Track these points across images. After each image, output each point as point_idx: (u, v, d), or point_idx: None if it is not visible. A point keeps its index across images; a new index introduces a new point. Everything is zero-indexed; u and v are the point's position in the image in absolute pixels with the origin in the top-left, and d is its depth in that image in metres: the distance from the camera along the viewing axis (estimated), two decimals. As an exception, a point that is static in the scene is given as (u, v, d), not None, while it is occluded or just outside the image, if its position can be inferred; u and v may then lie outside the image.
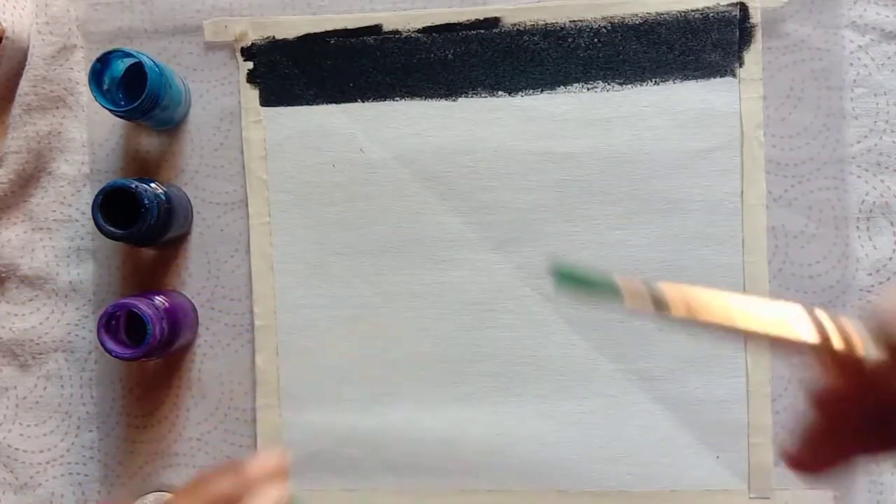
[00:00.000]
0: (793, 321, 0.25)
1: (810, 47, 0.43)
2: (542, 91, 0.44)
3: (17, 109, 0.44)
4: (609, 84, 0.44)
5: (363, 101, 0.44)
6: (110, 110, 0.41)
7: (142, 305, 0.40)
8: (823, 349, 0.24)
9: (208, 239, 0.45)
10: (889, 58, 0.43)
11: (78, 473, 0.46)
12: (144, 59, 0.41)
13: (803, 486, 0.43)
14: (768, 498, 0.43)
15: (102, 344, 0.40)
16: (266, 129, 0.45)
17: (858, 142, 0.43)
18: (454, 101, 0.44)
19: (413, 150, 0.44)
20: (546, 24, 0.44)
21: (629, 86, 0.44)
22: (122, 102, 0.43)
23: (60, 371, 0.46)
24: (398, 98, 0.44)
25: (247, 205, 0.45)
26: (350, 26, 0.44)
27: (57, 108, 0.45)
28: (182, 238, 0.45)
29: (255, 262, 0.45)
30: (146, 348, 0.40)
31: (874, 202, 0.43)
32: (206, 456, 0.45)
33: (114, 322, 0.42)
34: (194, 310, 0.45)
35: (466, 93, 0.44)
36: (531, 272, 0.39)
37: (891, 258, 0.43)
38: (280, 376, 0.45)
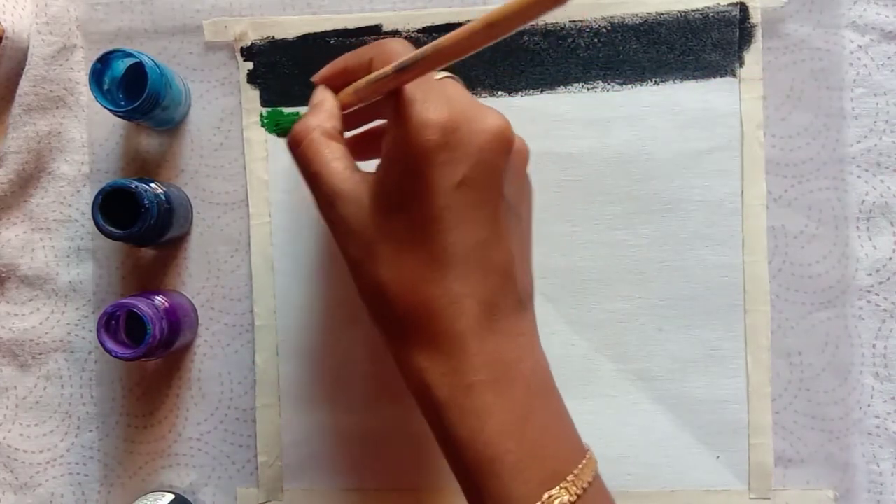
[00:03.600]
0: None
1: (810, 47, 0.43)
2: (542, 91, 0.44)
3: (17, 109, 0.44)
4: (609, 84, 0.44)
5: (363, 101, 0.44)
6: (110, 110, 0.41)
7: (142, 305, 0.40)
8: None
9: (208, 239, 0.45)
10: (889, 58, 0.43)
11: (78, 473, 0.46)
12: (145, 59, 0.41)
13: (803, 486, 0.43)
14: (768, 498, 0.43)
15: (102, 344, 0.40)
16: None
17: (858, 142, 0.43)
18: (454, 101, 0.44)
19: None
20: (546, 24, 0.44)
21: (629, 86, 0.44)
22: (123, 102, 0.43)
23: (60, 371, 0.46)
24: (398, 98, 0.44)
25: (247, 205, 0.45)
26: (350, 26, 0.44)
27: (57, 108, 0.45)
28: (182, 238, 0.45)
29: (255, 262, 0.45)
30: (146, 348, 0.40)
31: (874, 202, 0.43)
32: (206, 456, 0.45)
33: (114, 322, 0.42)
34: (194, 310, 0.45)
35: (466, 93, 0.44)
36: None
37: (891, 258, 0.43)
38: (280, 376, 0.45)
